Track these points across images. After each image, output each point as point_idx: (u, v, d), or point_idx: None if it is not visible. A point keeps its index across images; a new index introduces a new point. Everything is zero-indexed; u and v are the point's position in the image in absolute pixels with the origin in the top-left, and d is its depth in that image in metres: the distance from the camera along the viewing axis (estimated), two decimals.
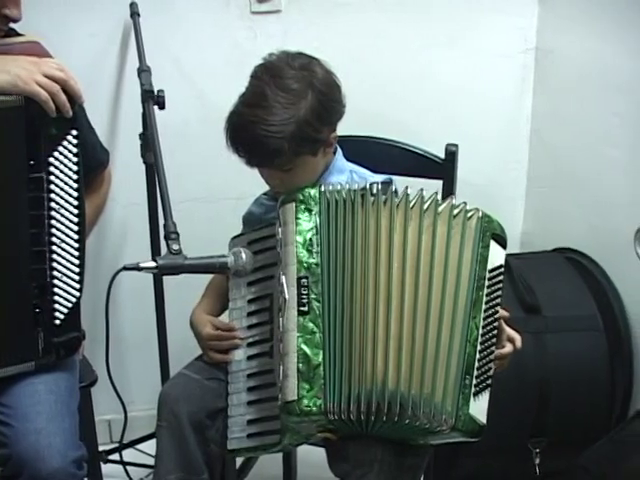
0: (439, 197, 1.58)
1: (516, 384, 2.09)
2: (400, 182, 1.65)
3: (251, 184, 1.81)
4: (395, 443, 1.58)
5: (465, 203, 1.59)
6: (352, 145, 1.88)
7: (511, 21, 2.57)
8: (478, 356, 1.55)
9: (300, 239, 1.53)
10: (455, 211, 1.58)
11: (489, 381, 1.57)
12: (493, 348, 1.59)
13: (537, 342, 2.15)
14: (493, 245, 1.60)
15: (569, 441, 2.16)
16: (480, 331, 1.55)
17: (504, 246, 1.64)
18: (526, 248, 2.70)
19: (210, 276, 1.87)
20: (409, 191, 1.56)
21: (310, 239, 1.53)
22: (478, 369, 1.54)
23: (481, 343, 1.56)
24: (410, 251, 1.53)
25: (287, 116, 1.61)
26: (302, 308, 1.50)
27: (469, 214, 1.59)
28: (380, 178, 1.73)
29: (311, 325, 1.49)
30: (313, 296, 1.50)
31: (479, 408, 1.54)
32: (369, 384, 1.47)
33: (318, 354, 1.48)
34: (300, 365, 1.47)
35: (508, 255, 2.32)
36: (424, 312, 1.52)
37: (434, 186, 1.71)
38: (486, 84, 2.59)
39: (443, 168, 1.94)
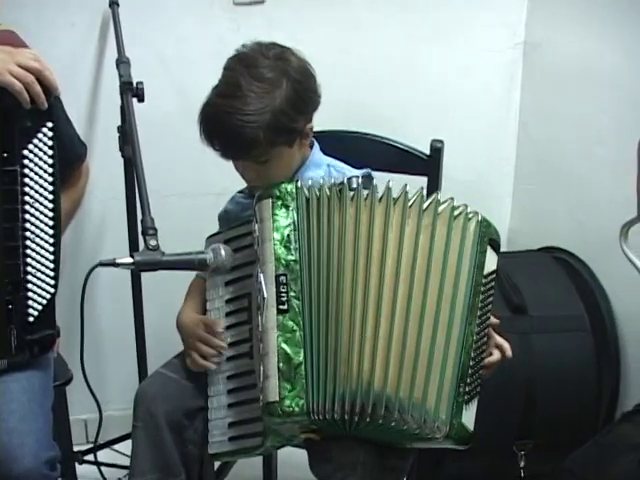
0: (424, 193, 1.58)
1: (502, 385, 2.09)
2: (383, 178, 1.65)
3: (232, 179, 1.80)
4: (378, 445, 1.58)
5: (466, 205, 1.59)
6: (333, 139, 1.89)
7: (500, 15, 2.58)
8: (471, 363, 1.55)
9: (278, 236, 1.53)
10: (455, 212, 1.58)
11: (479, 389, 1.59)
12: (484, 355, 1.61)
13: (523, 342, 2.16)
14: (488, 250, 1.61)
15: (555, 443, 2.17)
16: (474, 338, 1.56)
17: (497, 251, 1.65)
18: (513, 247, 2.71)
19: (189, 276, 1.87)
20: (408, 189, 1.56)
21: (288, 235, 1.53)
22: (470, 376, 1.55)
23: (474, 350, 1.56)
24: (406, 249, 1.53)
25: (262, 105, 1.61)
26: (281, 306, 1.49)
27: (469, 216, 1.59)
28: (359, 172, 1.74)
29: (291, 323, 1.49)
30: (292, 294, 1.50)
31: (469, 416, 1.56)
32: (354, 384, 1.47)
33: (299, 353, 1.48)
34: (281, 365, 1.47)
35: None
36: (418, 313, 1.52)
37: (418, 183, 1.71)
38: (473, 79, 2.60)
39: (428, 164, 1.94)
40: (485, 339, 1.61)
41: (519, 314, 2.20)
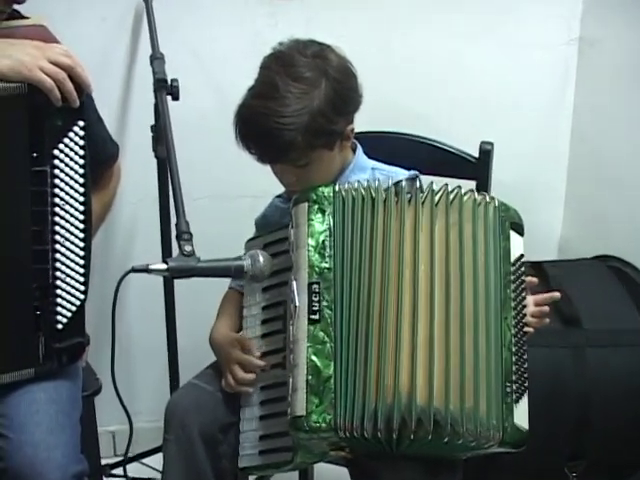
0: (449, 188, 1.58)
1: (553, 401, 2.08)
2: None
3: (270, 182, 1.80)
4: (425, 460, 1.56)
5: (472, 190, 1.59)
6: (376, 142, 1.88)
7: (553, 9, 2.55)
8: (514, 359, 1.54)
9: (312, 242, 1.52)
10: (477, 200, 1.57)
11: (526, 383, 1.57)
12: (526, 347, 1.58)
13: (576, 356, 2.13)
14: (512, 235, 1.60)
15: (610, 465, 2.15)
16: (512, 331, 1.55)
17: (522, 233, 1.63)
18: (565, 255, 2.68)
19: (224, 283, 1.87)
20: (434, 186, 1.56)
21: (323, 242, 1.53)
22: (515, 373, 1.54)
23: (514, 345, 1.55)
24: (438, 251, 1.52)
25: (300, 107, 1.60)
26: (313, 316, 1.49)
27: (487, 202, 1.58)
28: (405, 174, 1.73)
29: (322, 334, 1.48)
30: (325, 303, 1.50)
31: (522, 413, 1.54)
32: (389, 399, 1.45)
33: (329, 366, 1.47)
34: (309, 377, 1.46)
35: (545, 262, 2.31)
36: (458, 317, 1.50)
37: (467, 187, 1.69)
38: (524, 77, 2.58)
39: (477, 168, 1.93)
40: (525, 329, 1.59)
41: (572, 327, 2.18)
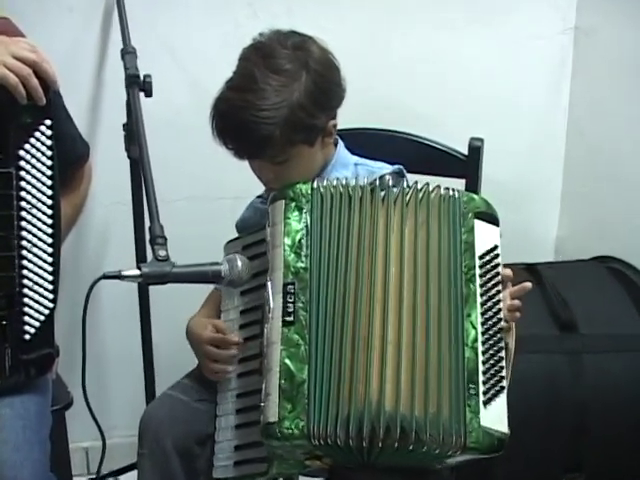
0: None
1: (549, 410, 2.09)
2: (419, 181, 1.64)
3: (250, 182, 1.81)
4: (410, 471, 1.56)
5: (438, 185, 1.59)
6: (362, 138, 1.89)
7: None
8: (482, 358, 1.53)
9: (288, 241, 1.54)
10: (432, 195, 1.58)
11: (503, 383, 1.54)
12: (501, 344, 1.56)
13: (573, 363, 2.14)
14: (480, 225, 1.60)
15: (608, 477, 2.15)
16: (480, 329, 1.54)
17: (495, 223, 1.62)
18: (561, 256, 2.69)
19: (202, 290, 1.87)
20: (404, 184, 1.59)
21: (300, 240, 1.54)
22: (485, 373, 1.52)
23: (484, 342, 1.54)
24: (407, 252, 1.54)
25: (279, 100, 1.61)
26: (287, 318, 1.49)
27: (451, 197, 1.59)
28: (389, 169, 1.74)
29: (296, 337, 1.49)
30: (300, 305, 1.50)
31: (495, 416, 1.51)
32: (360, 404, 1.45)
33: (303, 370, 1.47)
34: (282, 382, 1.46)
35: (540, 264, 2.32)
36: (424, 320, 1.51)
37: (456, 185, 1.70)
38: (517, 70, 2.59)
39: (466, 165, 1.94)
40: (501, 324, 1.57)
41: (568, 332, 2.18)
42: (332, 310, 1.51)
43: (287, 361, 1.47)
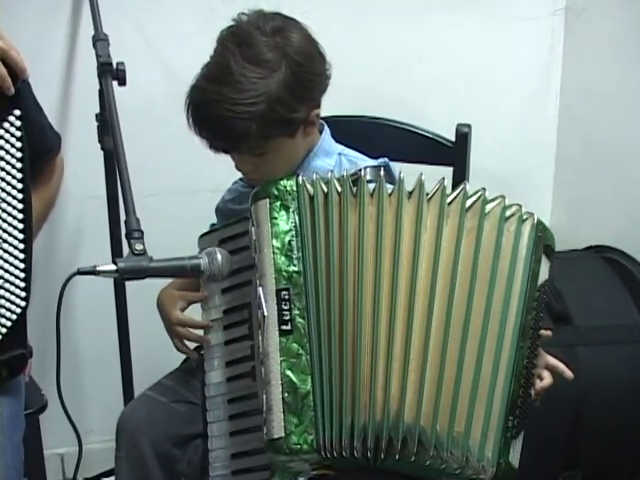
0: (467, 188, 1.54)
1: (544, 406, 2.08)
2: (405, 169, 1.65)
3: (229, 174, 1.82)
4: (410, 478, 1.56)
5: (520, 205, 1.56)
6: (346, 126, 1.89)
7: None
8: (521, 392, 1.54)
9: (277, 243, 1.51)
10: (507, 213, 1.54)
11: (525, 420, 1.56)
12: (533, 380, 1.59)
13: (568, 356, 2.10)
14: (543, 259, 1.59)
15: (607, 473, 2.17)
16: (524, 362, 1.54)
17: (551, 258, 1.62)
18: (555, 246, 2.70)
19: None
20: (446, 183, 1.54)
21: (289, 242, 1.51)
22: (519, 407, 1.53)
23: (524, 377, 1.54)
24: (444, 256, 1.50)
25: (256, 94, 1.59)
26: (284, 327, 1.47)
27: (524, 218, 1.56)
28: (374, 163, 1.73)
29: (295, 346, 1.47)
30: (296, 312, 1.48)
31: (515, 452, 1.54)
32: (379, 414, 1.45)
33: (306, 381, 1.46)
34: (286, 395, 1.45)
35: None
36: (459, 331, 1.49)
37: (442, 174, 1.70)
38: (506, 53, 2.61)
39: (453, 152, 1.95)
40: (535, 362, 1.59)
41: (562, 324, 2.20)
42: (337, 315, 1.48)
43: (288, 373, 1.46)
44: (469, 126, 1.94)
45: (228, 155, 1.72)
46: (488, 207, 1.53)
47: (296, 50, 1.64)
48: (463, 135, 1.94)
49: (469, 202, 1.53)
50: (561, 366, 1.69)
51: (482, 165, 2.02)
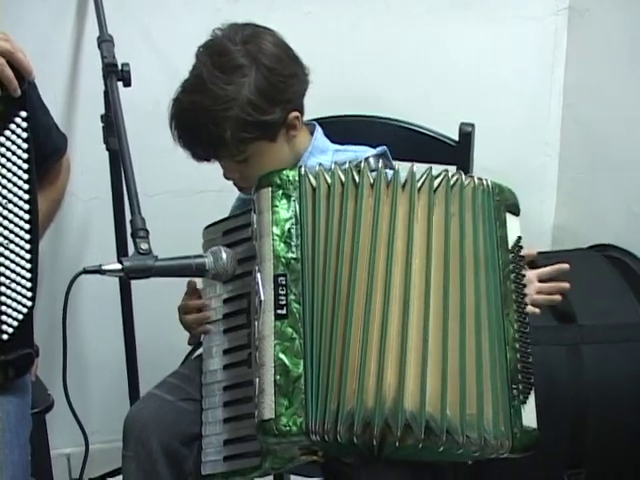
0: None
1: (547, 404, 2.06)
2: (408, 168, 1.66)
3: None
4: (409, 466, 1.58)
5: (460, 172, 1.61)
6: (348, 126, 1.91)
7: None
8: (518, 356, 1.56)
9: (277, 230, 1.54)
10: (465, 184, 1.59)
11: (532, 379, 1.58)
12: (529, 340, 1.60)
13: (571, 356, 2.16)
14: (509, 217, 1.63)
15: (611, 473, 2.17)
16: (515, 327, 1.57)
17: (517, 213, 1.65)
18: (558, 245, 2.71)
19: (185, 282, 1.88)
20: (434, 172, 1.58)
21: (289, 230, 1.54)
22: (520, 372, 1.56)
23: (519, 340, 1.57)
24: (435, 243, 1.54)
25: (227, 98, 1.65)
26: (279, 311, 1.50)
27: (476, 185, 1.60)
28: (373, 152, 1.75)
29: (290, 330, 1.49)
30: (292, 297, 1.50)
31: (529, 413, 1.57)
32: (370, 401, 1.46)
33: (298, 364, 1.48)
34: (278, 377, 1.47)
35: (537, 254, 2.33)
36: (457, 312, 1.52)
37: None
38: (509, 53, 2.61)
39: (456, 152, 1.96)
40: (526, 321, 1.61)
41: (566, 323, 2.20)
42: (332, 301, 1.50)
43: (282, 356, 1.48)
44: (472, 125, 1.95)
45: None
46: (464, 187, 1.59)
47: (267, 55, 1.70)
48: (467, 134, 1.94)
49: (451, 183, 1.58)
50: (549, 269, 1.74)
51: (485, 164, 2.02)
